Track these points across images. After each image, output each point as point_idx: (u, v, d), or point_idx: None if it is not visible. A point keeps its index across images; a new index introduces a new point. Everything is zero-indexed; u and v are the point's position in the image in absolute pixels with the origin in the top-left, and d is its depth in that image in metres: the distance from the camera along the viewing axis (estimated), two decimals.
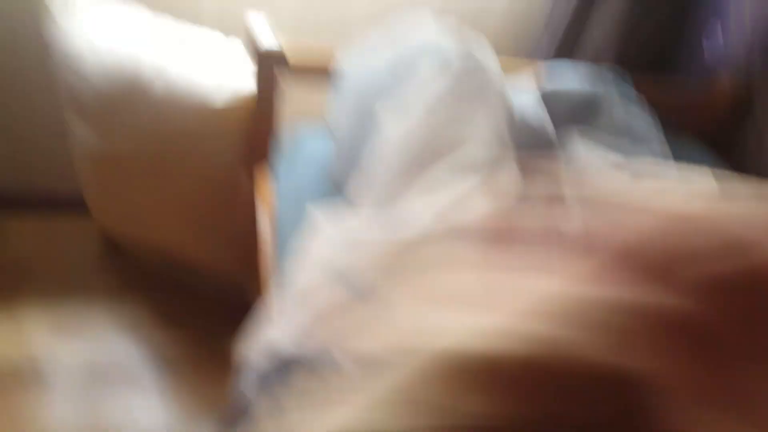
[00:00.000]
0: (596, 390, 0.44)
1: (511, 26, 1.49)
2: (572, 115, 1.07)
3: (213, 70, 1.15)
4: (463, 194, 0.79)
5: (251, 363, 0.74)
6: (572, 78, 1.13)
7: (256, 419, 0.67)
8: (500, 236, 0.77)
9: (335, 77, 1.07)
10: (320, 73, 1.10)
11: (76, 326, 1.34)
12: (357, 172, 0.91)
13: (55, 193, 1.53)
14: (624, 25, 1.25)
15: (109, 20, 1.16)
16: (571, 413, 0.43)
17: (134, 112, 1.15)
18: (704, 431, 0.43)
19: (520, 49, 1.45)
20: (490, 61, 0.94)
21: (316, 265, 0.77)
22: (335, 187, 0.99)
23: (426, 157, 0.84)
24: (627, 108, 1.10)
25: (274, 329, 0.74)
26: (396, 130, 0.87)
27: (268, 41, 1.04)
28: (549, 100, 1.06)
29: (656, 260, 0.53)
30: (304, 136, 1.14)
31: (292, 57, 1.05)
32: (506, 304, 0.52)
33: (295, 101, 1.14)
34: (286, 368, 0.67)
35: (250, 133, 1.16)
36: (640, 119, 1.10)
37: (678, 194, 0.91)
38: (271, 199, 1.10)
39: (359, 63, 1.03)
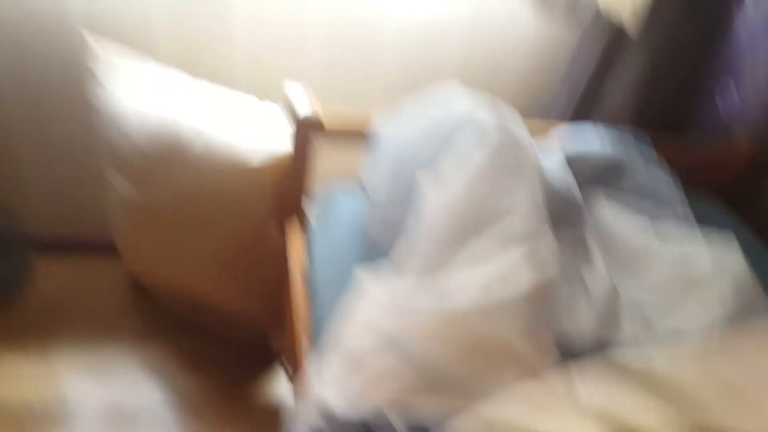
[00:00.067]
0: None
1: (527, 86, 1.56)
2: (596, 178, 1.12)
3: (249, 132, 1.22)
4: (507, 267, 0.83)
5: (304, 419, 0.77)
6: (595, 140, 1.18)
7: None
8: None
9: (371, 141, 1.13)
10: (353, 136, 1.17)
11: (103, 367, 1.39)
12: (399, 237, 0.95)
13: (87, 238, 1.59)
14: (641, 85, 1.30)
15: (150, 82, 1.23)
16: None
17: (174, 169, 1.21)
18: None
19: (536, 109, 1.52)
20: (524, 133, 0.99)
21: (366, 329, 0.81)
22: (372, 246, 1.03)
23: (469, 228, 0.88)
24: (649, 171, 1.14)
25: (327, 389, 0.76)
26: (438, 200, 0.92)
27: (305, 108, 1.11)
28: (573, 163, 1.10)
29: None
30: (338, 194, 1.19)
31: (327, 122, 1.12)
32: None
33: (328, 161, 1.21)
34: (342, 429, 0.71)
35: (284, 191, 1.21)
36: (662, 182, 1.13)
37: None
38: (302, 253, 1.16)
39: (395, 129, 1.09)
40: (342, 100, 1.46)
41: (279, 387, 1.42)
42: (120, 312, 1.53)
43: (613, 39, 1.29)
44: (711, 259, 1.01)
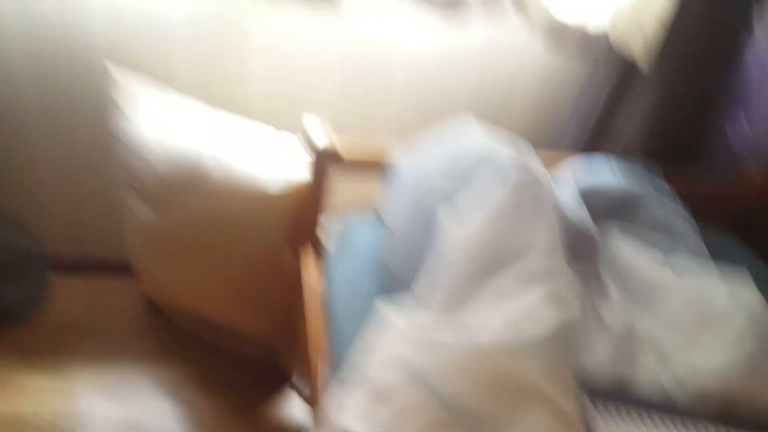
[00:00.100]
0: None
1: (537, 117, 1.59)
2: (610, 211, 1.13)
3: (267, 161, 1.25)
4: (530, 305, 0.84)
5: None
6: (607, 173, 1.19)
7: None
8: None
9: (389, 172, 1.15)
10: (370, 167, 1.20)
11: (118, 385, 1.41)
12: (419, 269, 0.97)
13: (104, 258, 1.62)
14: (652, 117, 1.31)
15: (171, 112, 1.26)
16: None
17: (193, 195, 1.24)
18: None
19: (546, 140, 1.54)
20: (542, 170, 1.00)
21: (390, 361, 0.82)
22: (390, 277, 1.05)
23: (490, 266, 0.89)
24: (662, 204, 1.15)
25: (351, 420, 0.78)
26: (459, 236, 0.93)
27: (323, 139, 1.13)
28: (587, 196, 1.11)
29: None
30: (355, 223, 1.21)
31: (345, 153, 1.14)
32: None
33: (345, 190, 1.23)
34: None
35: (300, 219, 1.24)
36: (676, 215, 1.14)
37: None
38: (317, 280, 1.18)
39: (413, 161, 1.10)
40: (356, 130, 1.49)
41: (291, 407, 1.44)
42: (135, 331, 1.56)
43: (624, 72, 1.30)
44: (727, 294, 1.02)
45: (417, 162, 1.10)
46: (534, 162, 1.00)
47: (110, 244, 1.59)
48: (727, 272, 1.07)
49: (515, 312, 0.83)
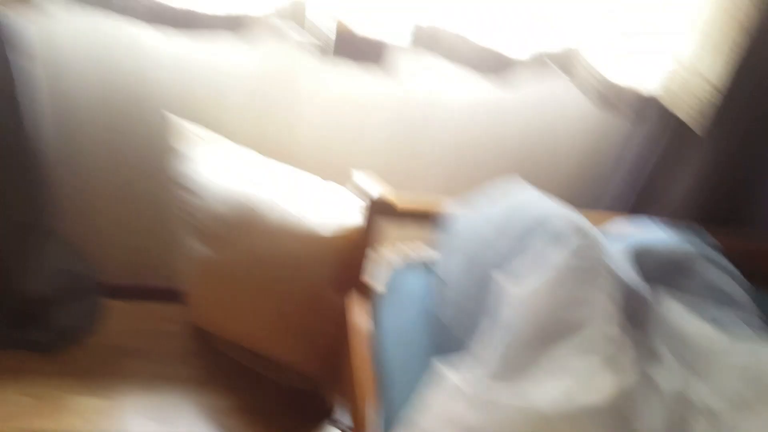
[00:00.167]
0: None
1: (582, 175, 1.60)
2: (662, 274, 1.11)
3: (318, 206, 1.30)
4: (589, 374, 0.85)
5: None
6: (659, 235, 1.18)
7: None
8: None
9: (441, 225, 1.18)
10: (421, 217, 1.23)
11: (163, 409, 1.46)
12: (474, 326, 0.98)
13: (154, 284, 1.69)
14: (704, 179, 1.31)
15: (227, 159, 1.32)
16: None
17: (248, 235, 1.29)
18: None
19: (592, 199, 1.55)
20: (599, 235, 1.01)
21: (445, 419, 0.83)
22: (441, 328, 1.07)
23: (549, 333, 0.90)
24: (714, 266, 1.13)
25: None
26: (518, 301, 0.94)
27: (376, 190, 1.18)
28: (639, 258, 1.10)
29: None
30: (405, 271, 1.24)
31: (398, 203, 1.18)
32: None
33: (395, 237, 1.27)
34: None
35: (350, 263, 1.27)
36: (728, 278, 1.12)
37: None
38: (365, 324, 1.21)
39: (467, 218, 1.13)
40: (400, 182, 1.52)
41: None
42: (181, 356, 1.61)
43: (675, 132, 1.31)
44: None
45: (471, 219, 1.12)
46: (590, 225, 1.01)
47: (160, 272, 1.66)
48: None
49: (573, 379, 0.84)
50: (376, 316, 1.18)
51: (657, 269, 1.13)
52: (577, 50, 1.28)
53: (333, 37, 1.12)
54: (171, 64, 1.27)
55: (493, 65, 1.22)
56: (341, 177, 1.39)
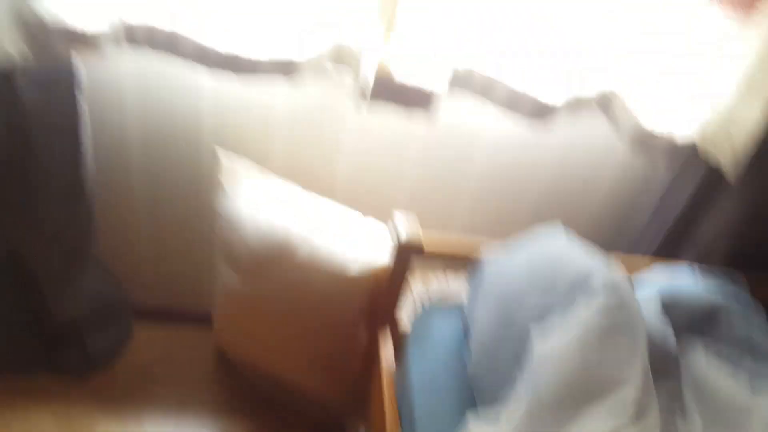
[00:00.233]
0: None
1: (612, 217, 1.60)
2: (692, 325, 1.11)
3: (350, 243, 1.31)
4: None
5: None
6: (690, 282, 1.16)
7: None
8: None
9: (474, 271, 1.19)
10: (452, 260, 1.23)
11: None
12: (502, 378, 0.98)
13: (182, 308, 1.72)
14: (737, 226, 1.30)
15: (266, 192, 1.35)
16: None
17: (279, 268, 1.31)
18: None
19: (621, 242, 1.55)
20: (632, 291, 0.99)
21: None
22: (470, 376, 1.07)
23: (580, 393, 0.89)
24: (747, 319, 1.12)
25: None
26: (545, 358, 0.94)
27: (406, 231, 1.18)
28: (669, 307, 1.10)
29: None
30: (434, 314, 1.25)
31: (428, 246, 1.19)
32: None
33: (426, 279, 1.28)
34: None
35: (378, 301, 1.29)
36: (761, 330, 1.10)
37: None
38: (392, 363, 1.22)
39: (501, 267, 1.12)
40: (436, 216, 1.55)
41: None
42: (207, 382, 1.64)
43: (708, 178, 1.30)
44: None
45: (502, 265, 1.12)
46: (624, 281, 1.00)
47: (190, 296, 1.69)
48: None
49: None
50: (404, 357, 1.19)
51: (688, 318, 1.12)
52: (614, 93, 1.29)
53: (372, 82, 1.15)
54: (215, 97, 1.31)
55: (529, 110, 1.23)
56: (378, 211, 1.42)
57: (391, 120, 1.38)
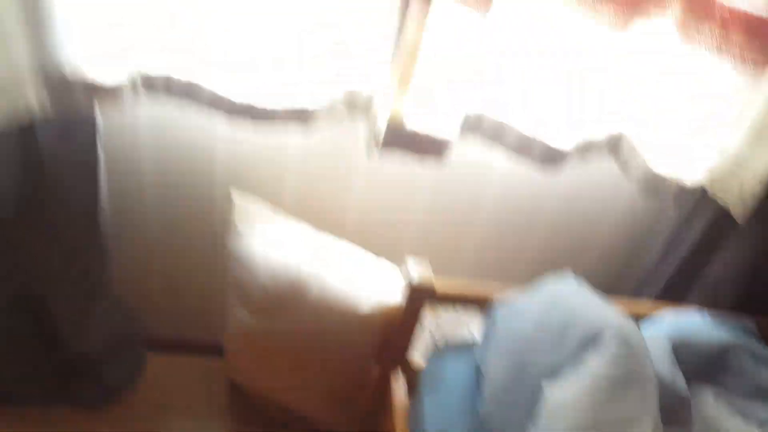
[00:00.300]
0: None
1: (618, 259, 1.61)
2: (701, 368, 1.12)
3: (361, 282, 1.33)
4: None
5: None
6: (700, 326, 1.17)
7: None
8: None
9: (487, 317, 1.20)
10: (464, 303, 1.25)
11: None
12: (514, 425, 0.99)
13: (195, 338, 1.74)
14: (746, 269, 1.30)
15: (279, 232, 1.37)
16: None
17: (291, 307, 1.33)
18: None
19: (628, 283, 1.57)
20: (642, 340, 1.00)
21: None
22: (484, 420, 1.07)
23: None
24: (757, 362, 1.12)
25: None
26: (555, 408, 0.95)
27: (418, 274, 1.20)
28: (679, 352, 1.10)
29: None
30: (448, 355, 1.26)
31: (439, 289, 1.21)
32: None
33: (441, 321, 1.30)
34: None
35: (391, 341, 1.30)
36: None
37: None
38: (406, 403, 1.24)
39: (514, 316, 1.13)
40: (447, 257, 1.58)
41: None
42: (220, 411, 1.65)
43: (716, 219, 1.31)
44: None
45: (513, 311, 1.13)
46: (634, 332, 1.00)
47: (202, 327, 1.71)
48: None
49: None
50: (417, 398, 1.20)
51: (698, 362, 1.12)
52: (623, 136, 1.31)
53: (384, 129, 1.17)
54: (229, 139, 1.34)
55: (540, 155, 1.25)
56: (388, 251, 1.45)
57: (401, 164, 1.41)
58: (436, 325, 1.37)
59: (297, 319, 1.35)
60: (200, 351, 1.74)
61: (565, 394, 0.96)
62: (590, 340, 0.99)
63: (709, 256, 1.35)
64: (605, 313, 1.04)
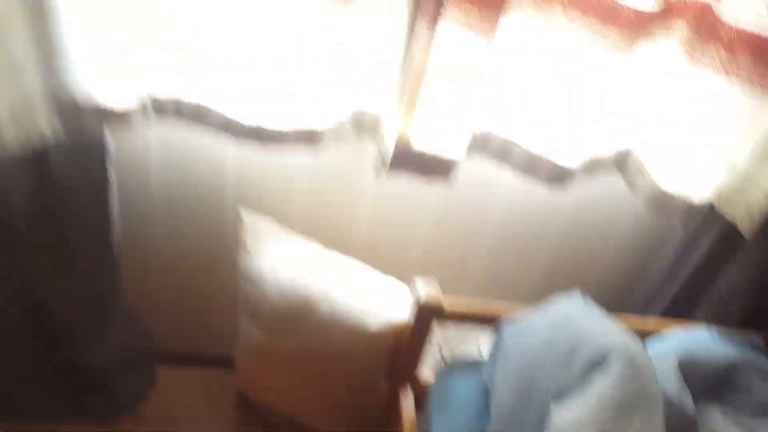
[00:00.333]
0: None
1: (624, 275, 1.62)
2: (709, 385, 1.12)
3: (370, 300, 1.34)
4: None
5: None
6: (707, 343, 1.16)
7: None
8: None
9: (493, 335, 1.21)
10: (472, 321, 1.26)
11: None
12: None
13: (205, 351, 1.76)
14: (754, 284, 1.30)
15: (288, 250, 1.38)
16: None
17: (300, 324, 1.34)
18: None
19: (633, 300, 1.56)
20: (648, 360, 1.00)
21: None
22: None
23: None
24: (765, 382, 1.11)
25: None
26: (561, 429, 0.95)
27: (426, 293, 1.21)
28: (686, 370, 1.10)
29: None
30: (456, 373, 1.27)
31: (448, 308, 1.22)
32: None
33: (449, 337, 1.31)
34: None
35: (399, 359, 1.32)
36: None
37: None
38: (414, 420, 1.25)
39: (518, 333, 1.14)
40: (453, 275, 1.59)
41: None
42: (230, 423, 1.67)
43: (724, 236, 1.31)
44: None
45: (524, 338, 1.13)
46: (641, 353, 1.01)
47: (212, 340, 1.73)
48: None
49: None
50: (426, 415, 1.21)
51: (705, 379, 1.12)
52: (630, 152, 1.31)
53: (391, 150, 1.18)
54: (238, 159, 1.35)
55: (547, 173, 1.25)
56: (396, 269, 1.46)
57: (408, 183, 1.41)
58: (445, 340, 1.38)
59: (306, 336, 1.36)
60: (212, 364, 1.75)
61: (571, 415, 0.96)
62: (597, 361, 1.00)
63: (717, 271, 1.35)
64: (612, 333, 1.04)
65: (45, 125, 1.05)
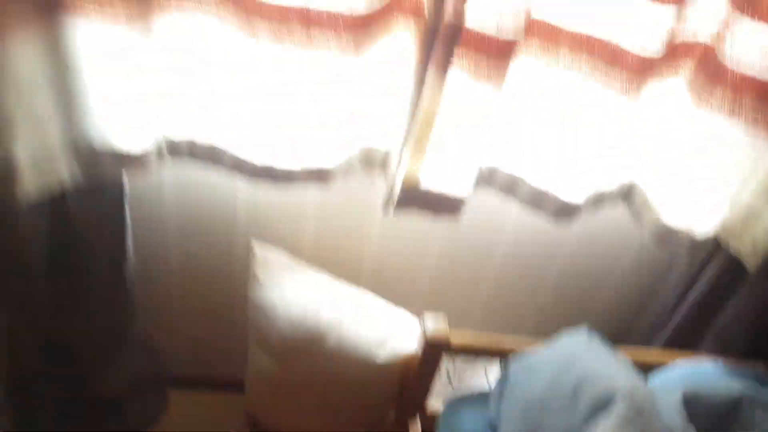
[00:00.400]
0: None
1: (628, 306, 1.64)
2: (712, 422, 1.11)
3: (378, 331, 1.36)
4: None
5: None
6: (712, 376, 1.17)
7: None
8: None
9: (500, 370, 1.23)
10: (480, 355, 1.28)
11: None
12: None
13: (215, 375, 1.79)
14: (759, 312, 1.30)
15: (298, 279, 1.41)
16: None
17: (311, 354, 1.36)
18: None
19: (636, 332, 1.59)
20: (653, 399, 1.02)
21: None
22: None
23: None
24: None
25: None
26: None
27: (434, 327, 1.24)
28: (690, 402, 1.09)
29: None
30: (463, 406, 1.29)
31: (455, 341, 1.24)
32: None
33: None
34: None
35: (407, 391, 1.34)
36: None
37: None
38: None
39: (525, 370, 1.16)
40: (456, 306, 1.60)
41: None
42: None
43: (728, 268, 1.33)
44: None
45: (530, 376, 1.15)
46: (645, 392, 1.02)
47: (222, 365, 1.75)
48: None
49: None
50: None
51: (710, 413, 1.12)
52: (634, 185, 1.33)
53: (399, 188, 1.20)
54: (250, 194, 1.39)
55: (552, 209, 1.27)
56: (403, 300, 1.47)
57: (417, 221, 1.44)
58: (454, 370, 1.40)
59: (315, 366, 1.39)
60: (222, 387, 1.78)
61: None
62: (602, 404, 1.01)
63: (721, 303, 1.36)
64: (616, 374, 1.06)
65: (64, 171, 1.08)
